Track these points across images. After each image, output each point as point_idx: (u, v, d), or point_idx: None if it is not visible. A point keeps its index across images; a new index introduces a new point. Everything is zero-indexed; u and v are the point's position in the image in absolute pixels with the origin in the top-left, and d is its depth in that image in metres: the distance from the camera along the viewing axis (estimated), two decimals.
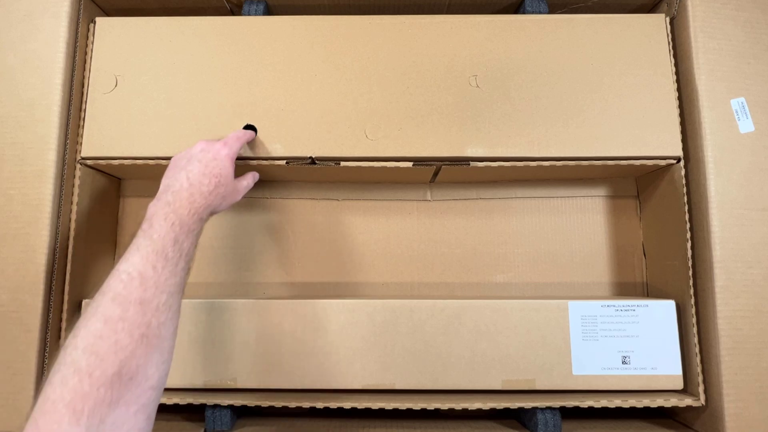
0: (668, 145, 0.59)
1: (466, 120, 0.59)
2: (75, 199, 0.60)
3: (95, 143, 0.60)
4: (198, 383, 0.57)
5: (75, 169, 0.61)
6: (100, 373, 0.33)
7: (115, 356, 0.34)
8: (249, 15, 0.66)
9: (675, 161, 0.60)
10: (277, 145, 0.59)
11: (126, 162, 0.60)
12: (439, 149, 0.59)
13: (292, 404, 0.55)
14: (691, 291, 0.58)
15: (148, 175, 0.68)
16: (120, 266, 0.38)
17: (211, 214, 0.47)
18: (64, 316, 0.58)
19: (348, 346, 0.57)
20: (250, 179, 0.57)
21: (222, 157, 0.49)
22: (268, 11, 0.68)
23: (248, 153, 0.59)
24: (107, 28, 0.63)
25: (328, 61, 0.61)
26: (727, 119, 0.58)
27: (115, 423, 0.33)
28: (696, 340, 0.56)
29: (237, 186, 0.53)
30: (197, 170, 0.47)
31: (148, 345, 0.36)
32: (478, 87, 0.60)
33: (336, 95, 0.60)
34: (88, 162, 0.61)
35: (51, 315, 0.57)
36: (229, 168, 0.50)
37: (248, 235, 0.70)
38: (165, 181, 0.46)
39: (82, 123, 0.61)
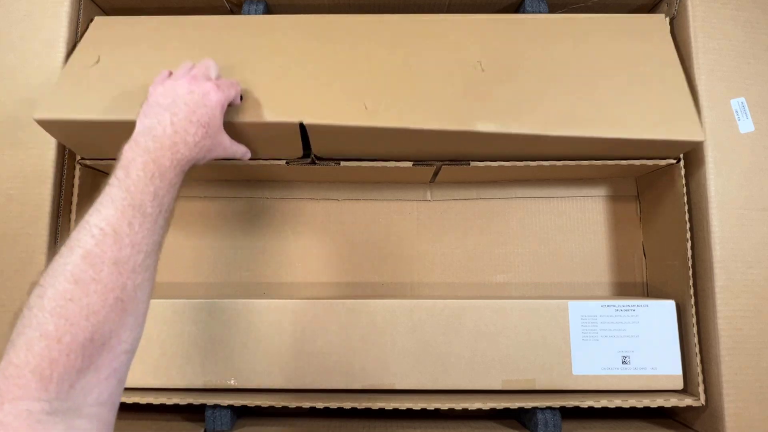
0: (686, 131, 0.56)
1: (475, 98, 0.55)
2: (75, 199, 0.60)
3: (51, 105, 0.54)
4: (198, 383, 0.57)
5: (75, 169, 0.61)
6: (70, 339, 0.30)
7: (87, 321, 0.31)
8: (249, 15, 0.66)
9: (675, 161, 0.60)
10: (265, 110, 0.52)
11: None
12: (446, 122, 0.53)
13: (292, 404, 0.55)
14: (691, 291, 0.58)
15: None
16: (91, 219, 0.34)
17: (193, 166, 0.42)
18: None
19: (348, 346, 0.57)
20: (240, 150, 0.51)
21: (212, 103, 0.43)
22: (268, 11, 0.68)
23: (231, 118, 0.52)
24: (102, 25, 0.62)
25: (326, 46, 0.59)
26: (727, 119, 0.58)
27: (85, 388, 0.31)
28: (696, 340, 0.56)
29: (224, 141, 0.47)
30: (183, 115, 0.41)
31: (123, 309, 0.33)
32: (483, 71, 0.57)
33: (334, 72, 0.57)
34: (88, 162, 0.61)
35: None
36: (218, 117, 0.44)
37: (248, 235, 0.70)
38: (145, 121, 0.41)
39: None
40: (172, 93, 0.42)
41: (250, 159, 0.59)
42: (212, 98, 0.43)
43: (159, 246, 0.37)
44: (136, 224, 0.35)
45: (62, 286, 0.32)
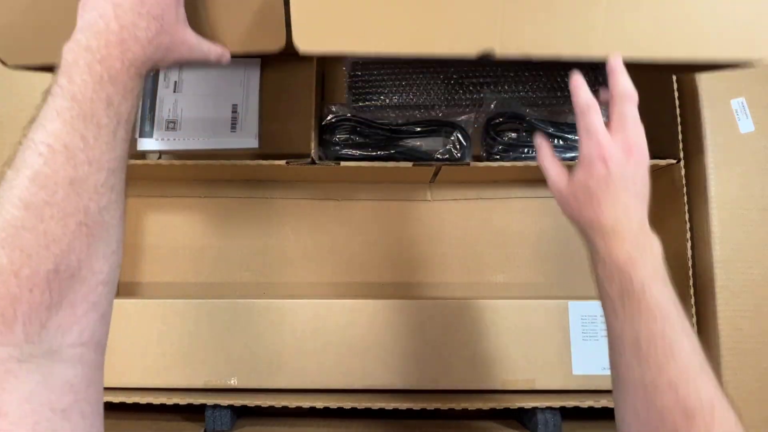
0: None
1: None
2: None
3: None
4: (198, 383, 0.57)
5: None
6: (30, 272, 0.27)
7: (47, 250, 0.27)
8: None
9: (675, 161, 0.60)
10: None
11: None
12: None
13: (292, 404, 0.55)
14: (691, 291, 0.58)
15: (147, 175, 0.68)
16: (36, 135, 0.29)
17: (152, 69, 0.36)
18: None
19: (348, 346, 0.57)
20: (214, 50, 0.41)
21: None
22: None
23: None
24: None
25: None
26: (727, 119, 0.58)
27: (61, 326, 0.28)
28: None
29: (188, 38, 0.38)
30: (129, 6, 0.33)
31: (89, 235, 0.29)
32: None
33: None
34: None
35: None
36: (173, 7, 0.36)
37: (248, 235, 0.70)
38: (84, 15, 0.33)
39: None
40: None
41: (251, 160, 0.59)
42: None
43: (123, 163, 0.33)
44: (90, 138, 0.30)
45: (10, 213, 0.27)
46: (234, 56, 0.43)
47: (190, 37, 0.38)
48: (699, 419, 0.30)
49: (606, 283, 0.35)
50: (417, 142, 0.65)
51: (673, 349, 0.32)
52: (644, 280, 0.33)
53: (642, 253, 0.34)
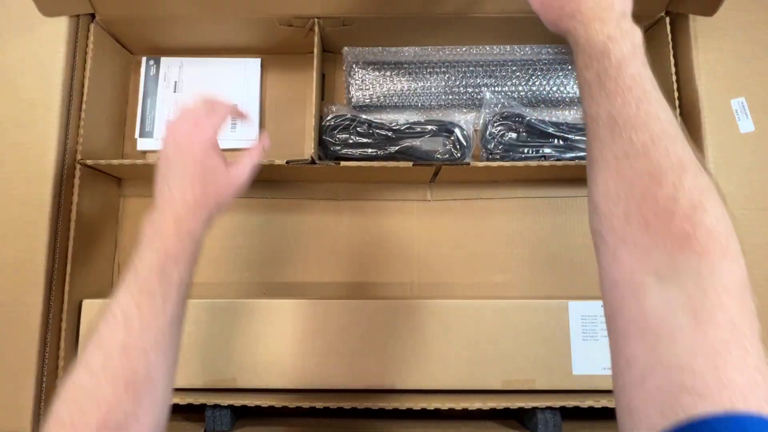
0: None
1: None
2: (75, 199, 0.60)
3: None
4: (198, 383, 0.57)
5: (75, 169, 0.61)
6: (83, 426, 0.31)
7: (98, 408, 0.31)
8: None
9: None
10: None
11: (126, 162, 0.60)
12: None
13: (292, 404, 0.55)
14: None
15: (148, 175, 0.68)
16: (110, 304, 0.35)
17: (210, 221, 0.39)
18: (64, 316, 0.58)
19: (348, 346, 0.57)
20: (247, 164, 0.43)
21: (196, 149, 0.39)
22: None
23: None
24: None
25: None
26: (727, 119, 0.58)
27: None
28: None
29: (231, 177, 0.41)
30: (176, 176, 0.38)
31: (136, 392, 0.33)
32: None
33: None
34: (88, 162, 0.61)
35: (51, 315, 0.57)
36: (212, 158, 0.39)
37: (248, 235, 0.70)
38: (155, 189, 0.39)
39: (82, 123, 0.61)
40: (164, 152, 0.39)
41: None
42: (195, 144, 0.39)
43: (176, 321, 0.36)
44: (144, 306, 0.34)
45: (77, 375, 0.33)
46: None
47: (233, 175, 0.41)
48: (667, 181, 0.29)
49: (585, 71, 0.34)
50: (417, 142, 0.66)
51: (648, 119, 0.30)
52: (622, 58, 0.32)
53: (622, 35, 0.33)
